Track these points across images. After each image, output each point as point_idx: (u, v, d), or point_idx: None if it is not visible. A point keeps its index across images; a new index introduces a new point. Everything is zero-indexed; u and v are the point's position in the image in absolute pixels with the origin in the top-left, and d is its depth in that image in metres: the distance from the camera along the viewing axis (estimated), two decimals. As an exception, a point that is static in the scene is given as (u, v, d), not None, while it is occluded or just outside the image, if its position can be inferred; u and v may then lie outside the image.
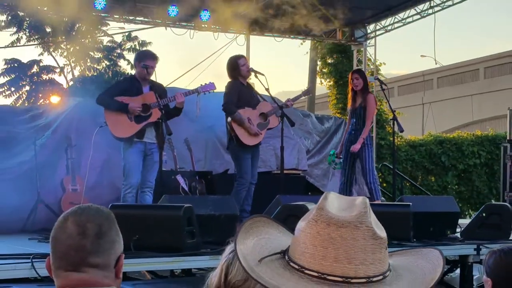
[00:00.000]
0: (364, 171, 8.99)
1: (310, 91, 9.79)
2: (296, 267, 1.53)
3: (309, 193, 10.68)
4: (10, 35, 22.24)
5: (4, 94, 22.98)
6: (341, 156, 9.34)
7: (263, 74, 8.42)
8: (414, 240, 7.00)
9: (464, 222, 8.59)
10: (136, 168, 7.81)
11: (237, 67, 8.46)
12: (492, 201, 15.19)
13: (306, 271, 1.52)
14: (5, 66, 22.94)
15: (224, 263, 1.94)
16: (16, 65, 23.03)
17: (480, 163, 16.31)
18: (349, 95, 9.38)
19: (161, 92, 7.92)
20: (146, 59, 7.97)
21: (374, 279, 1.51)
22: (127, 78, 8.30)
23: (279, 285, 1.51)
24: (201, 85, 8.23)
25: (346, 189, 9.12)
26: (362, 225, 1.51)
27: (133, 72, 20.67)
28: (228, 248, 2.00)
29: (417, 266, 1.63)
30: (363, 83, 9.07)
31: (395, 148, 9.32)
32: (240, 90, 8.43)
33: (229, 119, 8.36)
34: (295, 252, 1.55)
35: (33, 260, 4.93)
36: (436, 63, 26.58)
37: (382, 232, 1.54)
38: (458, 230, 7.77)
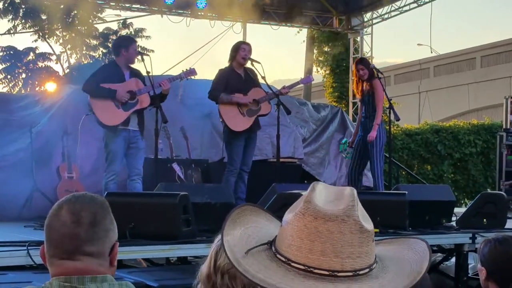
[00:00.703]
0: (372, 161, 8.95)
1: (310, 78, 9.74)
2: (283, 259, 1.53)
3: (305, 182, 10.68)
4: (8, 21, 22.17)
5: (1, 82, 22.96)
6: (353, 146, 9.34)
7: (259, 62, 8.42)
8: (410, 228, 7.01)
9: (459, 210, 8.60)
10: (119, 156, 7.79)
11: (237, 51, 8.46)
12: (488, 190, 15.20)
13: (293, 264, 1.51)
14: (1, 54, 22.88)
15: (213, 251, 1.96)
16: (11, 52, 22.97)
17: (476, 152, 16.32)
18: (354, 86, 9.37)
19: (141, 78, 7.98)
20: (133, 43, 8.05)
21: (361, 272, 1.51)
22: (108, 64, 8.29)
23: (266, 279, 1.50)
24: (183, 71, 8.31)
25: (354, 177, 9.11)
26: (349, 218, 1.51)
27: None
28: (217, 238, 2.02)
29: (403, 257, 1.63)
30: (368, 72, 9.04)
31: (391, 136, 9.33)
32: (229, 77, 8.43)
33: (218, 106, 8.39)
34: (282, 244, 1.55)
35: (29, 247, 4.93)
36: (432, 52, 26.56)
37: (369, 225, 1.54)
38: (453, 218, 7.78)
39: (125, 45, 7.98)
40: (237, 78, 8.50)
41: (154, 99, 7.78)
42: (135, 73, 8.00)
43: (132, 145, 7.84)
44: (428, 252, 1.63)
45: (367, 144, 8.97)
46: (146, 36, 23.85)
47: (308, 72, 20.82)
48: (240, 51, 8.45)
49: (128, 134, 7.81)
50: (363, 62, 9.41)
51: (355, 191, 1.58)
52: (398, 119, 9.12)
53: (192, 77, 8.35)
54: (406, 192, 7.20)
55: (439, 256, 8.03)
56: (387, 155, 9.62)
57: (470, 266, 7.56)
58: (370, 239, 1.54)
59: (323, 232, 1.49)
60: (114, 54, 8.19)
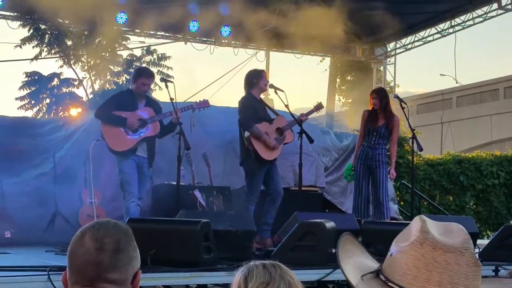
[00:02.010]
0: (379, 188, 8.95)
1: (321, 105, 9.68)
2: None
3: (327, 210, 10.62)
4: (33, 47, 22.42)
5: (25, 107, 23.18)
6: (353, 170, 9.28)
7: (282, 91, 8.44)
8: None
9: (482, 242, 8.51)
10: (134, 178, 7.95)
11: (259, 79, 8.47)
12: (511, 222, 15.04)
13: None
14: (26, 79, 23.12)
15: (239, 278, 1.97)
16: (36, 78, 23.22)
17: (499, 184, 16.15)
18: (366, 114, 9.29)
19: (156, 108, 8.17)
20: (142, 76, 8.16)
21: None
22: (123, 92, 8.49)
23: None
24: (196, 102, 8.49)
25: (363, 206, 9.05)
26: (467, 251, 1.55)
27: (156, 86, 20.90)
28: (240, 269, 2.06)
29: None
30: (380, 102, 9.02)
31: (414, 167, 9.28)
32: (254, 105, 8.45)
33: (246, 133, 8.36)
34: (394, 272, 1.57)
35: (50, 272, 4.92)
36: (456, 82, 26.50)
37: (479, 261, 1.59)
38: (476, 250, 7.70)
39: (134, 77, 8.26)
40: (261, 106, 8.53)
41: (163, 128, 8.04)
42: (151, 103, 8.24)
43: (139, 171, 8.01)
44: None
45: (376, 176, 8.96)
46: (168, 67, 23.95)
47: (330, 100, 20.82)
48: (263, 78, 8.49)
49: (138, 159, 8.00)
50: (377, 91, 9.43)
51: (462, 227, 1.64)
52: (421, 149, 9.09)
53: (204, 108, 8.46)
54: (429, 223, 7.14)
55: (461, 288, 7.92)
56: (409, 185, 9.55)
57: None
58: (480, 274, 1.57)
59: (441, 263, 1.52)
60: (132, 83, 8.44)
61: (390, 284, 1.56)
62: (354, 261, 1.68)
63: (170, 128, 8.11)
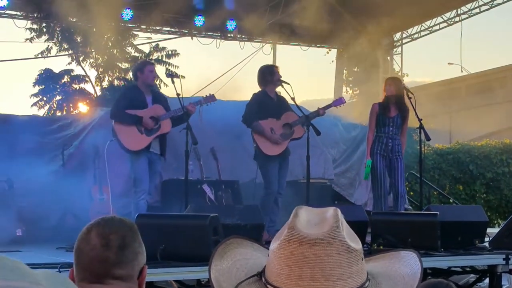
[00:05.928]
0: (400, 181, 8.86)
1: (343, 100, 9.36)
2: None
3: (336, 202, 10.63)
4: (45, 41, 22.41)
5: (38, 104, 23.24)
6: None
7: (288, 84, 8.40)
8: (442, 249, 6.94)
9: (492, 231, 8.49)
10: (146, 175, 7.98)
11: (273, 75, 8.44)
12: (521, 209, 15.02)
13: None
14: (38, 76, 23.19)
15: None
16: (48, 75, 23.27)
17: (509, 172, 16.12)
18: (376, 105, 9.18)
19: (164, 104, 8.19)
20: (147, 65, 8.27)
21: None
22: (129, 87, 8.51)
23: None
24: (203, 97, 8.47)
25: (384, 199, 8.94)
26: (335, 240, 1.49)
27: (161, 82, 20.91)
28: None
29: (395, 272, 1.62)
30: (395, 90, 8.87)
31: (422, 156, 9.25)
32: (262, 101, 8.41)
33: (252, 131, 8.38)
34: (271, 274, 1.53)
35: (61, 269, 4.96)
36: (462, 71, 26.40)
37: (357, 244, 1.53)
38: (486, 239, 7.69)
39: (140, 68, 8.24)
40: (270, 102, 8.47)
41: (182, 118, 7.95)
42: (158, 98, 8.23)
43: (149, 166, 8.04)
44: (420, 264, 1.62)
45: (396, 169, 8.86)
46: (175, 65, 23.69)
47: (337, 91, 20.78)
48: (276, 75, 8.44)
49: (151, 156, 8.03)
50: (393, 79, 9.39)
51: (339, 211, 1.56)
52: (428, 139, 9.02)
53: (211, 102, 8.46)
54: (438, 212, 7.14)
55: (472, 277, 7.93)
56: (418, 175, 9.53)
57: (504, 287, 7.47)
58: (359, 258, 1.52)
59: (310, 257, 1.47)
60: (134, 79, 8.48)
61: (269, 286, 1.51)
62: (239, 266, 1.63)
63: (183, 118, 8.07)
